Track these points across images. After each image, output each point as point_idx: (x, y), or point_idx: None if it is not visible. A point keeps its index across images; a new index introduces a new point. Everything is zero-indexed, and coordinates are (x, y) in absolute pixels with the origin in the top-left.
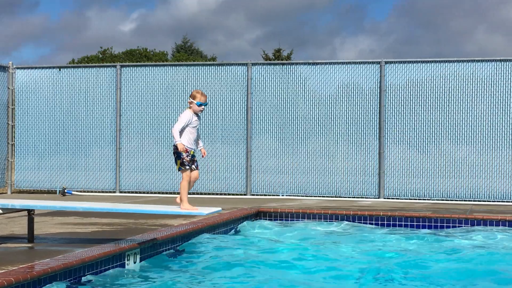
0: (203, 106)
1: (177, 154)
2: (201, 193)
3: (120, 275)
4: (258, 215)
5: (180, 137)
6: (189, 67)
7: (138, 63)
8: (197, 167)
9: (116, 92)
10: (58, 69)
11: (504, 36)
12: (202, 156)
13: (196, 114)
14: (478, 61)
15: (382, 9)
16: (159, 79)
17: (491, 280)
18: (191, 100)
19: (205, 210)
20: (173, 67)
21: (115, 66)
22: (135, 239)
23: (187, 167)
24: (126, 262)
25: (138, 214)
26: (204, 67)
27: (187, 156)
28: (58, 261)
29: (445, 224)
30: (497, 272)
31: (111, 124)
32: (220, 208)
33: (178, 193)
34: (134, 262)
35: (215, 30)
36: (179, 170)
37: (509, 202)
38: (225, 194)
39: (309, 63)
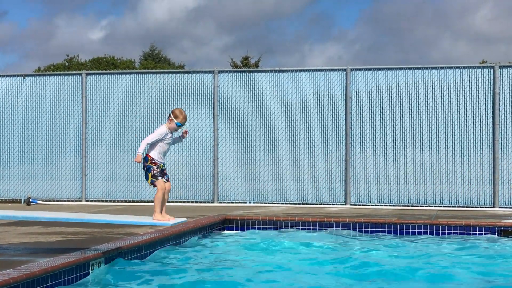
0: (180, 127)
1: (146, 168)
2: (168, 201)
3: (84, 284)
4: (225, 222)
5: (151, 149)
6: (155, 74)
7: (104, 71)
8: (168, 180)
9: (81, 100)
10: (22, 77)
11: (468, 43)
12: (184, 134)
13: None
14: (442, 68)
15: (349, 17)
16: (126, 87)
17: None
18: (172, 118)
19: (170, 221)
20: (140, 75)
21: (80, 74)
22: (100, 248)
23: (159, 177)
24: (90, 271)
25: (104, 223)
26: (171, 74)
27: (157, 168)
28: (20, 271)
29: (410, 230)
30: (461, 276)
31: (76, 132)
32: (185, 219)
33: (145, 201)
34: (99, 271)
35: (184, 38)
36: (151, 184)
37: (473, 207)
38: (192, 202)
39: (275, 71)
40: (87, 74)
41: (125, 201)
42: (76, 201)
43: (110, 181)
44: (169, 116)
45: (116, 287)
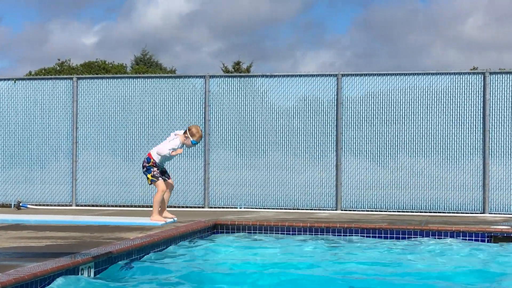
0: (195, 145)
1: (146, 168)
2: None
3: None
4: (215, 227)
5: (154, 153)
6: (146, 79)
7: (95, 75)
8: (169, 177)
9: (72, 105)
10: (13, 81)
11: (459, 50)
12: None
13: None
14: (433, 74)
15: (342, 23)
16: (117, 92)
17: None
18: (188, 136)
19: (160, 222)
20: (131, 79)
21: (71, 78)
22: (90, 252)
23: (160, 178)
24: (80, 275)
25: (94, 227)
26: (162, 79)
27: (157, 169)
28: (10, 275)
29: (400, 236)
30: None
31: (67, 136)
32: (175, 218)
33: (136, 206)
34: (88, 276)
35: (176, 43)
36: (151, 184)
37: (463, 213)
38: (183, 207)
39: (267, 76)
40: (78, 78)
41: (116, 206)
42: (66, 205)
43: (101, 185)
44: (185, 132)
45: None
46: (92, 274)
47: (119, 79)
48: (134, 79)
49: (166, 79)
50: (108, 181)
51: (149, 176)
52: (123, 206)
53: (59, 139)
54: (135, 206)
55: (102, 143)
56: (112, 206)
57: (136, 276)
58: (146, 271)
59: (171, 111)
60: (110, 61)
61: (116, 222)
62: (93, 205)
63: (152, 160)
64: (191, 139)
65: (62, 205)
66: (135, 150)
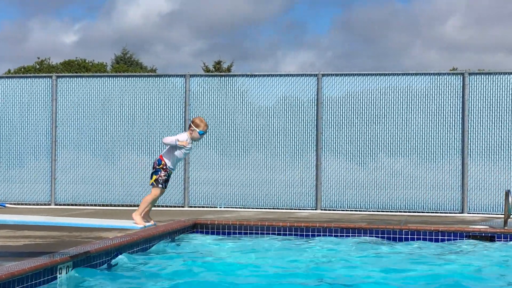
0: (203, 135)
1: (155, 170)
2: (138, 205)
3: None
4: (195, 227)
5: (168, 154)
6: (126, 78)
7: (75, 74)
8: (166, 187)
9: (52, 103)
10: None
11: (439, 51)
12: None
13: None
14: (413, 74)
15: (322, 24)
16: (97, 90)
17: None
18: (194, 128)
19: (140, 225)
20: (111, 78)
21: (50, 77)
22: (68, 252)
23: (160, 185)
24: (58, 275)
25: (73, 227)
26: (142, 78)
27: (164, 175)
28: None
29: (380, 235)
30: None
31: (46, 135)
32: (155, 223)
33: (115, 205)
34: (66, 275)
35: (157, 42)
36: (151, 185)
37: (442, 213)
38: (162, 206)
39: (247, 75)
40: (58, 77)
41: (95, 205)
42: (45, 204)
43: (80, 184)
44: (190, 126)
45: None
46: (70, 274)
47: (99, 78)
48: (114, 78)
49: (146, 78)
50: (88, 181)
51: (154, 177)
52: (103, 205)
53: (38, 138)
54: (115, 206)
55: (81, 142)
56: (92, 205)
57: (114, 276)
58: (125, 270)
59: (152, 110)
60: (90, 59)
61: (95, 224)
62: (72, 204)
63: (163, 162)
64: (197, 130)
65: (41, 204)
66: (115, 149)
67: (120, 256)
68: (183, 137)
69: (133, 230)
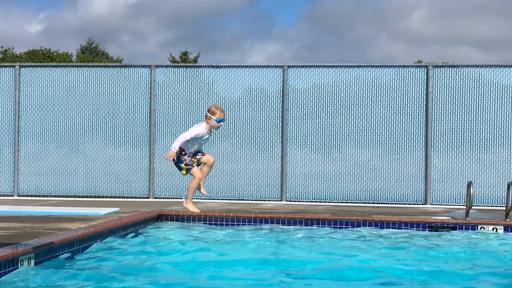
0: (221, 122)
1: (177, 160)
2: (103, 196)
3: (11, 281)
4: (160, 218)
5: (183, 144)
6: (91, 68)
7: (39, 64)
8: (203, 154)
9: (15, 93)
10: None
11: (404, 44)
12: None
13: (210, 130)
14: (377, 66)
15: (289, 16)
16: (61, 80)
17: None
18: (210, 116)
19: (103, 211)
20: (75, 68)
21: (13, 66)
22: (30, 243)
23: (194, 165)
24: (20, 266)
25: (35, 218)
26: (107, 68)
27: (188, 156)
28: None
29: (344, 226)
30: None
31: (9, 125)
32: (117, 209)
33: (79, 196)
34: (28, 267)
35: (124, 33)
36: (187, 173)
37: (406, 204)
38: (127, 197)
39: (213, 66)
40: (21, 66)
41: (59, 196)
42: (7, 195)
43: (44, 175)
44: (206, 115)
45: (45, 283)
46: (32, 265)
47: (63, 68)
48: (79, 68)
49: (111, 69)
50: (51, 171)
51: (182, 165)
52: (67, 196)
53: (0, 128)
54: (79, 197)
55: (45, 133)
56: (56, 196)
57: (77, 267)
58: (88, 261)
59: (116, 101)
60: (55, 49)
61: (57, 212)
62: (35, 195)
63: (179, 149)
64: (214, 118)
65: (3, 195)
66: (79, 140)
67: (83, 247)
68: (200, 130)
69: (97, 220)
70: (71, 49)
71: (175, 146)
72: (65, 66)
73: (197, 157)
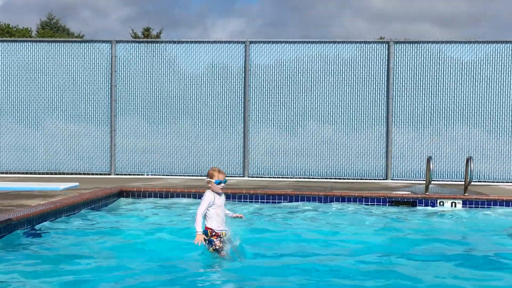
0: (222, 184)
1: (209, 240)
2: (63, 173)
3: None
4: (121, 194)
5: (208, 220)
6: (51, 43)
7: None
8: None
9: None
10: None
11: (367, 21)
12: (241, 217)
13: (218, 193)
14: (339, 42)
15: None
16: (20, 56)
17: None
18: (209, 179)
19: (61, 186)
20: (35, 43)
21: None
22: None
23: (222, 251)
24: None
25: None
26: (67, 44)
27: (219, 241)
28: None
29: (305, 201)
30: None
31: None
32: (77, 183)
33: (39, 173)
34: None
35: (84, 8)
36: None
37: (367, 179)
38: (88, 174)
39: (175, 42)
40: None
41: (19, 173)
42: None
43: (3, 152)
44: (206, 180)
45: (5, 259)
46: None
47: (22, 43)
48: (39, 43)
49: (71, 44)
50: (11, 148)
51: (211, 249)
52: (27, 173)
53: None
54: (39, 173)
55: (4, 109)
56: (15, 173)
57: (36, 244)
58: (47, 238)
59: (77, 77)
60: (14, 25)
61: (14, 188)
62: None
63: (209, 231)
64: (214, 181)
65: None
66: (38, 116)
67: (43, 223)
68: (208, 197)
69: (58, 196)
70: (31, 25)
71: (198, 228)
72: (25, 41)
73: (225, 237)
